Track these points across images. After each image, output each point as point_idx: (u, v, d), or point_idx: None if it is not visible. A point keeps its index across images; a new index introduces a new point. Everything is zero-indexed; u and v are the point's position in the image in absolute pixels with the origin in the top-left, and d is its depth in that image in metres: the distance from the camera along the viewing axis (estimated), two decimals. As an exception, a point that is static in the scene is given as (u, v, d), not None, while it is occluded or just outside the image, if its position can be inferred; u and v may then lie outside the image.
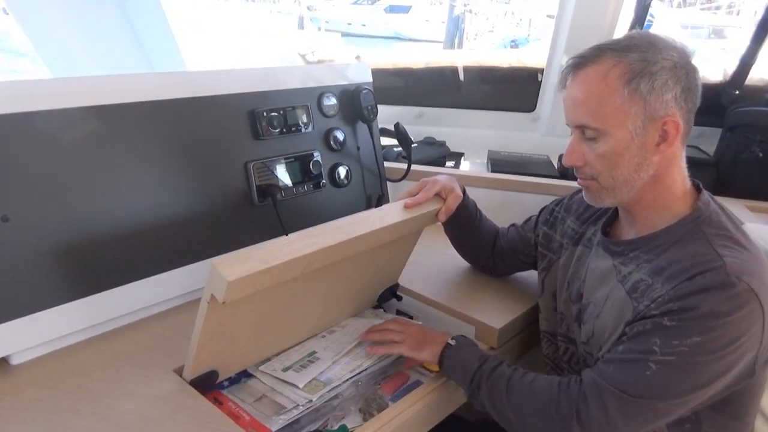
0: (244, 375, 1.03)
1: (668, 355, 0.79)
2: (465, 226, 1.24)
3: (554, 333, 1.11)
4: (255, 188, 1.22)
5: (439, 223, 1.18)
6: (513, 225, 1.28)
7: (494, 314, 1.15)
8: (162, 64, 2.12)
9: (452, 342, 1.01)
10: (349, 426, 0.95)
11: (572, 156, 0.94)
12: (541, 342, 1.14)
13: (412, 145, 1.80)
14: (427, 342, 1.03)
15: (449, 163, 1.80)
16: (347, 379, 1.01)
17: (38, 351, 0.96)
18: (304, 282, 0.95)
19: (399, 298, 1.26)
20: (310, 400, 0.95)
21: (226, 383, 1.00)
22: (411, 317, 1.25)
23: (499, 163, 1.74)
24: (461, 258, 1.33)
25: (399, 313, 1.29)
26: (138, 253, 1.07)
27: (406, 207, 1.04)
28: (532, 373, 0.93)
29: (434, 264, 1.36)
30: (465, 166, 1.87)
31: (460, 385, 0.98)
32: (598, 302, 0.96)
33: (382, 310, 1.26)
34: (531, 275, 1.24)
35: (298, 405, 0.95)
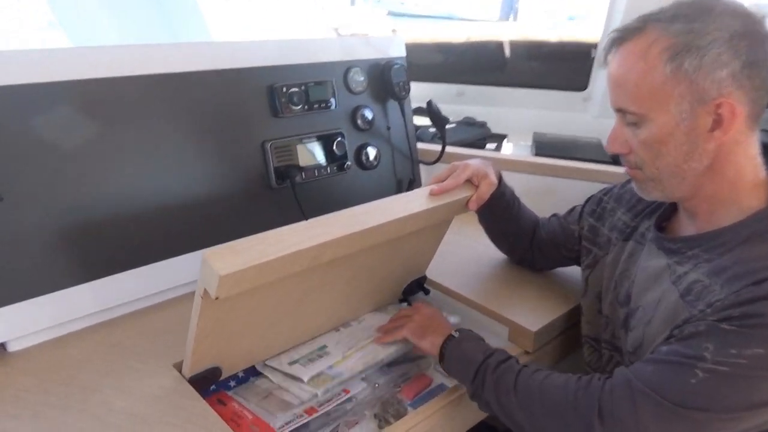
0: (253, 374, 0.95)
1: (721, 364, 0.67)
2: (500, 216, 1.12)
3: (598, 338, 0.98)
4: (273, 170, 1.13)
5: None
6: (555, 215, 1.15)
7: (530, 314, 1.03)
8: (187, 35, 2.05)
9: (455, 334, 0.90)
10: (360, 434, 0.86)
11: (615, 142, 0.81)
12: (582, 347, 1.01)
13: (449, 126, 1.68)
14: (431, 330, 0.94)
15: (490, 146, 1.67)
16: (359, 372, 0.92)
17: (36, 338, 0.91)
18: (317, 274, 0.86)
19: (426, 292, 1.16)
20: (316, 395, 0.87)
21: (232, 383, 0.92)
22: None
23: (544, 145, 1.59)
24: (498, 249, 1.22)
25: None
26: (145, 237, 1.01)
27: (432, 194, 0.93)
28: (545, 370, 0.82)
29: (467, 255, 1.25)
30: (507, 148, 1.73)
31: (462, 382, 0.88)
32: (648, 307, 0.83)
33: (406, 304, 1.16)
34: (575, 271, 1.11)
35: (303, 401, 0.86)
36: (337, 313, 1.02)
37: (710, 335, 0.69)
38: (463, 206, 0.99)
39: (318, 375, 0.91)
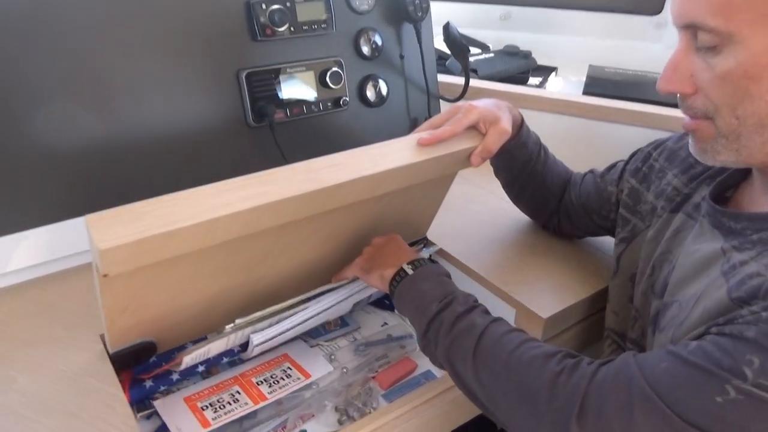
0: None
1: (764, 389, 0.47)
2: (520, 171, 0.91)
3: (623, 335, 0.78)
4: (249, 105, 0.96)
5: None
6: (591, 172, 0.92)
7: (544, 296, 0.83)
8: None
9: (408, 268, 0.72)
10: (313, 431, 0.72)
11: (674, 76, 0.58)
12: (603, 342, 0.81)
13: (485, 56, 1.44)
14: (383, 260, 0.76)
15: (533, 80, 1.41)
16: (285, 309, 0.77)
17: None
18: (269, 240, 0.69)
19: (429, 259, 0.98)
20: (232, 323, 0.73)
21: (164, 363, 0.79)
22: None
23: (599, 82, 1.32)
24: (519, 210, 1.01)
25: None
26: (96, 179, 0.86)
27: (420, 145, 0.73)
28: (519, 334, 0.63)
29: (480, 215, 1.05)
30: (555, 84, 1.47)
31: (415, 331, 0.72)
32: (685, 303, 0.62)
33: (402, 270, 0.99)
34: (609, 243, 0.89)
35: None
36: (313, 279, 0.86)
37: (760, 347, 0.48)
38: (465, 160, 0.78)
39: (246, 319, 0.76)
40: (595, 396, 0.53)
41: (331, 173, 0.64)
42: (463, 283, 0.93)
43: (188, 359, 0.71)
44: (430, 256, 0.95)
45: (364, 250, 0.80)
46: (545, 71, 1.48)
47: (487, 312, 0.68)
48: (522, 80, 1.41)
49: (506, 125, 0.78)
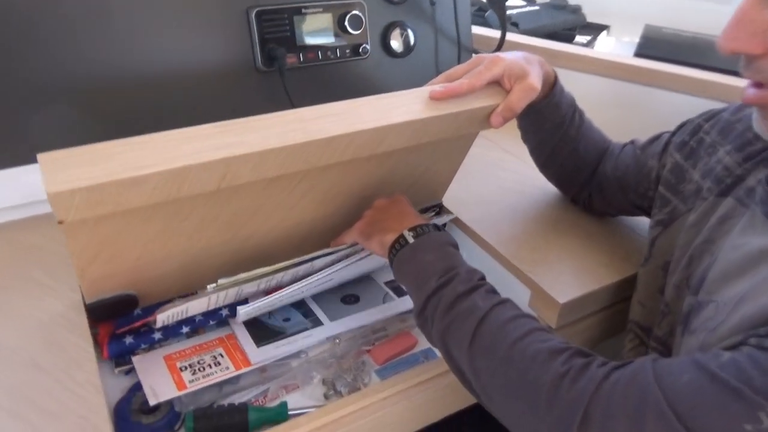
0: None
1: None
2: (550, 137, 0.81)
3: (648, 329, 0.69)
4: (258, 46, 0.88)
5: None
6: (632, 142, 0.82)
7: (564, 279, 0.75)
8: None
9: (409, 236, 0.65)
10: (296, 404, 0.67)
11: (739, 31, 0.48)
12: (625, 336, 0.73)
13: (529, 8, 1.31)
14: (386, 224, 0.68)
15: (580, 38, 1.28)
16: (273, 272, 0.71)
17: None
18: (264, 193, 0.63)
19: (443, 225, 0.90)
20: (214, 284, 0.67)
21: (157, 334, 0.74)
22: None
23: (653, 44, 1.19)
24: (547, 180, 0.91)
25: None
26: (95, 118, 0.81)
27: (432, 98, 0.64)
28: (526, 321, 0.55)
29: (503, 182, 0.96)
30: (606, 44, 1.33)
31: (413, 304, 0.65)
32: (723, 304, 0.53)
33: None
34: (645, 224, 0.79)
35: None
36: (310, 241, 0.79)
37: None
38: (484, 120, 0.69)
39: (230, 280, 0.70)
40: (602, 406, 0.45)
41: (323, 124, 0.57)
42: (476, 257, 0.85)
43: (163, 317, 0.66)
44: (444, 225, 0.87)
45: (365, 214, 0.73)
46: (595, 29, 1.35)
47: (493, 292, 0.60)
48: (568, 38, 1.28)
49: (535, 81, 0.68)
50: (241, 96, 0.89)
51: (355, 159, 0.63)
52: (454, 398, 0.70)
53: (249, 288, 0.71)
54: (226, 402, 0.66)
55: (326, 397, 0.69)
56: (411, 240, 0.65)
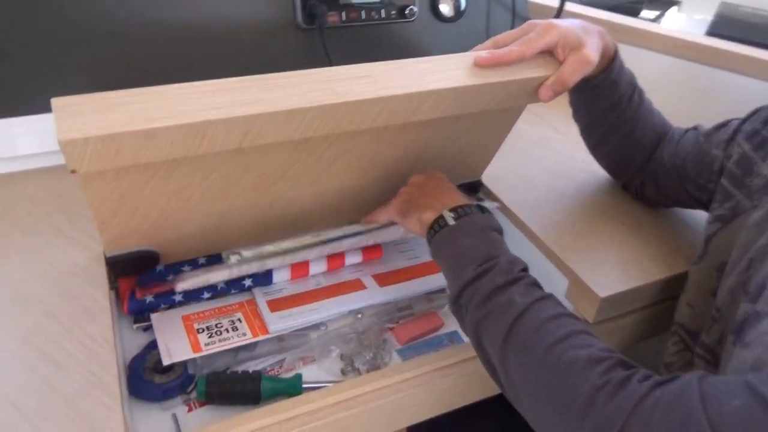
0: (215, 261, 0.75)
1: None
2: (604, 116, 0.75)
3: (695, 334, 0.63)
4: (300, 3, 0.84)
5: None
6: (695, 128, 0.75)
7: (607, 271, 0.70)
8: None
9: (449, 217, 0.60)
10: (311, 377, 0.65)
11: None
12: (668, 339, 0.67)
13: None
14: (425, 201, 0.64)
15: (647, 13, 1.19)
16: (299, 248, 0.68)
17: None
18: (290, 156, 0.60)
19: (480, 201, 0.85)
20: (238, 255, 0.65)
21: (172, 276, 0.72)
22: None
23: (729, 22, 1.09)
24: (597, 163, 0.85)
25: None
26: (125, 66, 0.80)
27: (477, 65, 0.59)
28: (567, 321, 0.50)
29: (549, 163, 0.90)
30: (675, 21, 1.23)
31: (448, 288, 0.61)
32: None
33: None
34: (702, 218, 0.73)
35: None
36: (339, 210, 0.76)
37: None
38: (532, 93, 0.63)
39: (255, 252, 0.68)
40: (639, 425, 0.40)
41: (354, 86, 0.53)
42: (513, 241, 0.80)
43: (183, 286, 0.64)
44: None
45: (401, 191, 0.69)
46: (664, 4, 1.25)
47: (534, 285, 0.55)
48: (633, 11, 1.19)
49: (591, 53, 0.62)
50: (279, 53, 0.86)
51: (388, 127, 0.59)
52: (479, 386, 0.67)
53: (273, 261, 0.68)
54: (240, 369, 0.65)
55: (343, 372, 0.67)
56: (451, 221, 0.60)
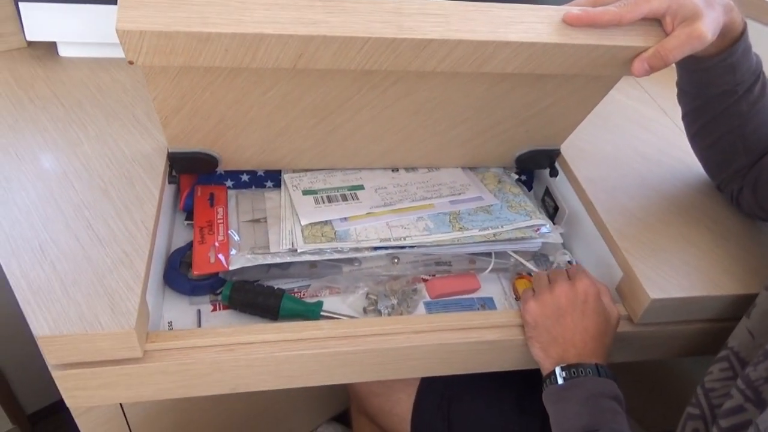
0: (273, 179, 0.77)
1: None
2: (713, 104, 0.66)
3: (745, 362, 0.57)
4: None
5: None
6: (817, 138, 0.65)
7: (667, 272, 0.63)
8: None
9: (560, 376, 0.56)
10: (332, 307, 0.66)
11: None
12: (716, 362, 0.60)
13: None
14: (562, 335, 0.59)
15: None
16: (368, 248, 0.68)
17: (86, 51, 0.83)
18: (352, 86, 0.59)
19: (554, 173, 0.80)
20: (294, 250, 0.66)
21: (230, 182, 0.75)
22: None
23: None
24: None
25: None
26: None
27: (566, 22, 0.53)
28: None
29: (639, 144, 0.83)
30: None
31: None
32: None
33: (516, 177, 0.83)
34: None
35: (279, 252, 0.66)
36: (400, 149, 0.74)
37: None
38: (624, 64, 0.57)
39: (320, 225, 0.69)
40: None
41: (422, 23, 0.49)
42: (576, 220, 0.75)
43: (235, 265, 0.65)
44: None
45: (550, 294, 0.60)
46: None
47: None
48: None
49: (706, 28, 0.54)
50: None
51: (459, 73, 0.56)
52: (495, 357, 0.64)
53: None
54: (268, 283, 0.67)
55: (365, 311, 0.67)
56: (560, 380, 0.56)
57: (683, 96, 0.70)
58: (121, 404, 0.66)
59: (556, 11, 0.54)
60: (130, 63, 0.49)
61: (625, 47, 0.54)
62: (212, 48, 0.48)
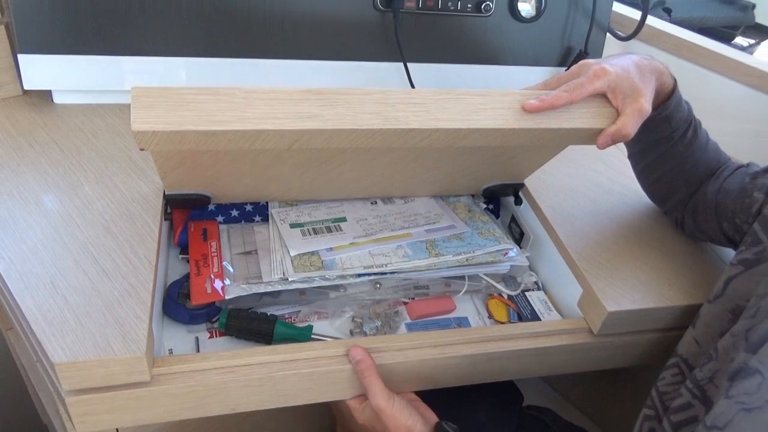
0: (261, 213, 0.83)
1: None
2: (652, 148, 0.76)
3: (692, 368, 0.64)
4: (379, -14, 0.88)
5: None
6: (746, 166, 0.74)
7: (622, 288, 0.71)
8: None
9: None
10: (321, 331, 0.71)
11: None
12: (667, 369, 0.68)
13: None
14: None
15: (742, 40, 1.14)
16: (354, 275, 0.74)
17: (81, 98, 0.88)
18: (337, 153, 0.65)
19: (518, 202, 0.88)
20: (285, 279, 0.72)
21: (221, 217, 0.80)
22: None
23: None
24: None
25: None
26: (207, 37, 0.86)
27: (526, 110, 0.61)
28: None
29: (597, 176, 0.91)
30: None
31: None
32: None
33: (483, 204, 0.90)
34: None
35: (271, 281, 0.72)
36: (378, 185, 0.81)
37: None
38: (584, 139, 0.65)
39: (308, 255, 0.75)
40: None
41: (405, 113, 0.56)
42: (540, 244, 0.83)
43: (230, 296, 0.70)
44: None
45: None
46: (763, 33, 1.19)
47: None
48: (727, 37, 1.14)
49: (647, 105, 0.63)
50: (355, 33, 0.90)
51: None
52: (472, 371, 0.70)
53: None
54: (261, 311, 0.72)
55: (352, 333, 0.73)
56: None
57: (628, 147, 0.79)
58: (117, 429, 0.69)
59: (522, 96, 0.61)
60: (142, 149, 0.54)
61: (583, 130, 0.63)
62: (217, 140, 0.54)
